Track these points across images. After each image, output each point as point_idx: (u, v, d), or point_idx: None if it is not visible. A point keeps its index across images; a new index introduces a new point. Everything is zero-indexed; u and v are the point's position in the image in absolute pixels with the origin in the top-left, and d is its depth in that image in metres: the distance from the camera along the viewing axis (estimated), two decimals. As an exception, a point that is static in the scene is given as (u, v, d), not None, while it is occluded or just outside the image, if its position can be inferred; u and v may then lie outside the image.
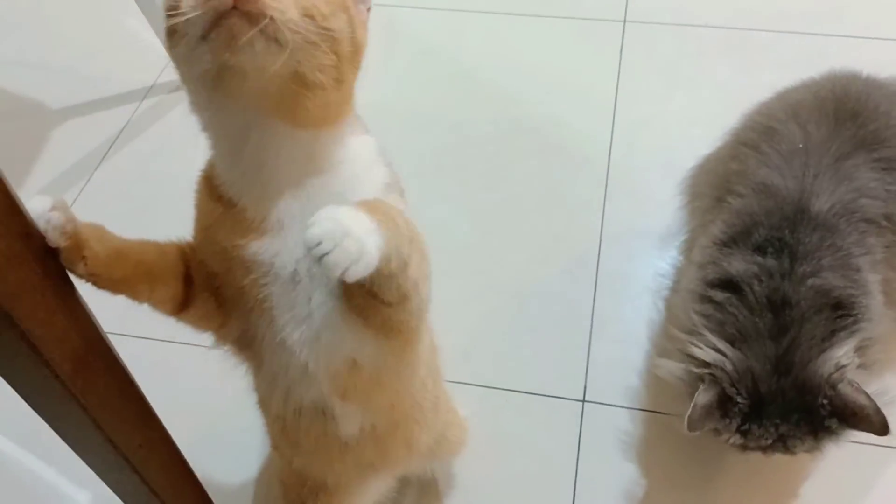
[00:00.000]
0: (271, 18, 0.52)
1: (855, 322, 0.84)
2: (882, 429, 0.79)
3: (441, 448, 0.86)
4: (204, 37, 0.53)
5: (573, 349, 1.09)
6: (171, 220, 1.25)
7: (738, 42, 1.47)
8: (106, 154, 1.37)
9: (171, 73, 1.48)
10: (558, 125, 1.37)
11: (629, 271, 1.17)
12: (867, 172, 0.91)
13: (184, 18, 0.52)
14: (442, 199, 1.28)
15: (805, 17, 1.49)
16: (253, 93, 0.56)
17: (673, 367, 0.89)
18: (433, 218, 1.25)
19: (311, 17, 0.54)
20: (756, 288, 0.85)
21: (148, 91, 1.47)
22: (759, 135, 0.99)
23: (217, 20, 0.52)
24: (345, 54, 0.58)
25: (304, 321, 0.63)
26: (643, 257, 1.19)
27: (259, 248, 0.60)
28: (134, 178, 1.34)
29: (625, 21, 1.52)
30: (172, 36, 0.56)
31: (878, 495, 0.95)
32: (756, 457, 0.97)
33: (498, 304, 1.15)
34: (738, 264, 0.87)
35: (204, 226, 0.63)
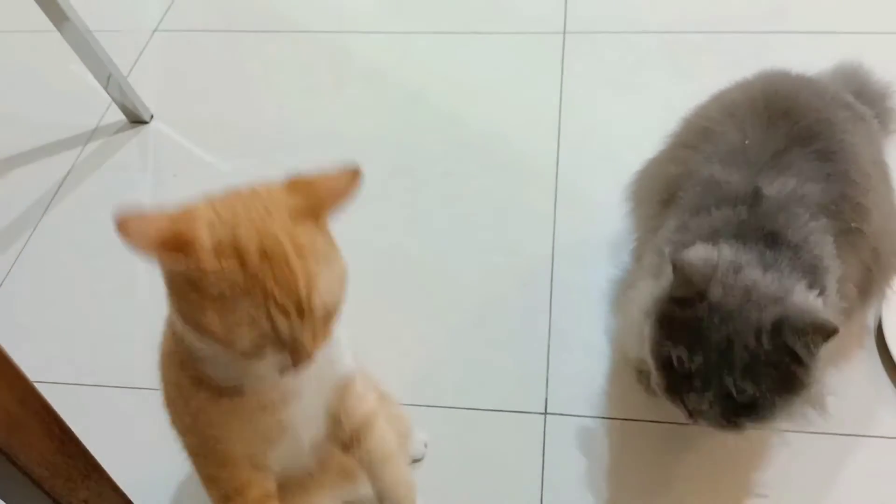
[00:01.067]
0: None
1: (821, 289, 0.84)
2: (833, 328, 0.76)
3: None
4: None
5: (532, 362, 1.10)
6: (121, 264, 1.23)
7: (678, 46, 1.49)
8: (52, 201, 1.36)
9: (114, 115, 1.48)
10: (505, 140, 1.38)
11: (584, 280, 1.18)
12: (806, 163, 0.92)
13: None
14: (395, 221, 1.29)
15: (743, 17, 1.52)
16: None
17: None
18: (386, 241, 1.26)
19: (332, 312, 0.60)
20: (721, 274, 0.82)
21: (91, 134, 1.45)
22: (699, 136, 1.00)
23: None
24: None
25: (307, 420, 0.72)
26: (597, 265, 1.19)
27: (280, 415, 0.67)
28: (82, 223, 1.32)
29: (564, 32, 1.53)
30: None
31: (840, 486, 0.96)
32: (721, 457, 0.98)
33: (455, 323, 1.15)
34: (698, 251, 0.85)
35: (193, 411, 0.66)
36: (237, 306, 0.54)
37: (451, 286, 1.20)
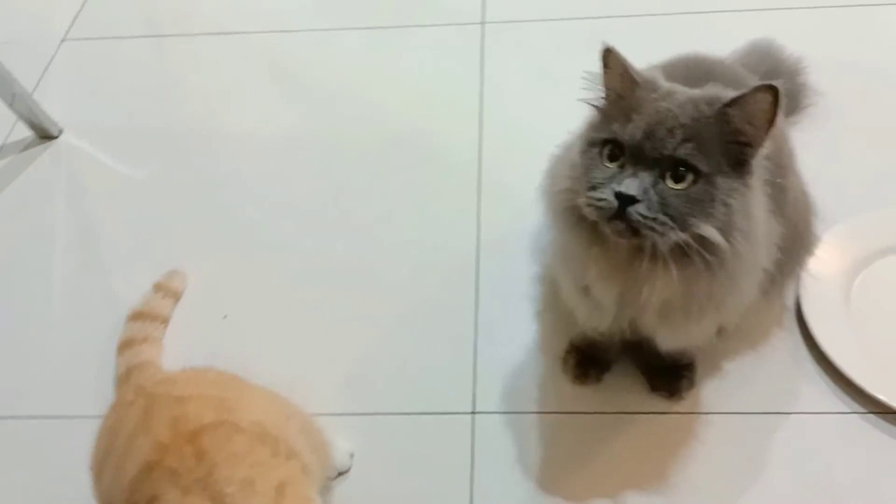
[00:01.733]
0: None
1: None
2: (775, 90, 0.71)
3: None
4: None
5: (459, 361, 1.08)
6: (33, 287, 1.18)
7: (599, 32, 1.48)
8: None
9: (21, 131, 1.42)
10: (428, 136, 1.36)
11: (509, 275, 1.17)
12: None
13: None
14: (318, 223, 1.26)
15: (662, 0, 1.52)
16: None
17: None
18: (309, 241, 1.23)
19: None
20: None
21: (-3, 153, 1.40)
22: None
23: None
24: None
25: None
26: (522, 260, 1.18)
27: None
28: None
29: (483, 23, 1.52)
30: None
31: (766, 464, 0.96)
32: (647, 443, 0.98)
33: (380, 324, 1.13)
34: None
35: None
36: None
37: (375, 286, 1.18)
